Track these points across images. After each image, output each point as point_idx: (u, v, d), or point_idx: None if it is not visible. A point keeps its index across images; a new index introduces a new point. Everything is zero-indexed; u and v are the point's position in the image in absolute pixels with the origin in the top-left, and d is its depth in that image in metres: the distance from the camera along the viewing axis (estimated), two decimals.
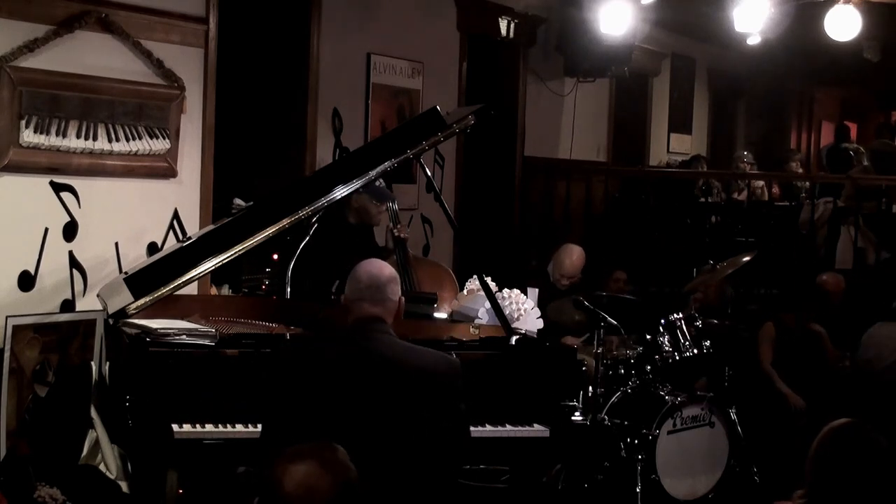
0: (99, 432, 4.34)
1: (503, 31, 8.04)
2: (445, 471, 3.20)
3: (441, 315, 4.69)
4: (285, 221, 4.11)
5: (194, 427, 3.69)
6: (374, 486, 2.95)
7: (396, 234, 5.13)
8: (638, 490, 5.00)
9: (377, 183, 4.96)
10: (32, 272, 4.69)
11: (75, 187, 4.82)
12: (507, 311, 4.37)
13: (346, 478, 2.44)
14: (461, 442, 3.23)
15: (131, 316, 3.94)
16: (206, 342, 3.83)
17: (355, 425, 3.04)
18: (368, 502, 2.84)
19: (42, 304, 4.73)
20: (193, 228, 5.31)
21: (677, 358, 5.46)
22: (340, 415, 3.05)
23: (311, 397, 3.07)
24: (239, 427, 3.71)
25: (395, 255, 5.06)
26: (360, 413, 3.06)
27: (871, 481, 2.77)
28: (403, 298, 3.33)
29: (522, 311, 4.52)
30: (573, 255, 6.23)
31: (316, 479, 2.39)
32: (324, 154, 6.47)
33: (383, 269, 3.29)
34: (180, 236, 5.25)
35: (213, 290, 5.52)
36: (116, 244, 5.04)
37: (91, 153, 4.82)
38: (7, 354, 4.53)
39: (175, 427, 3.65)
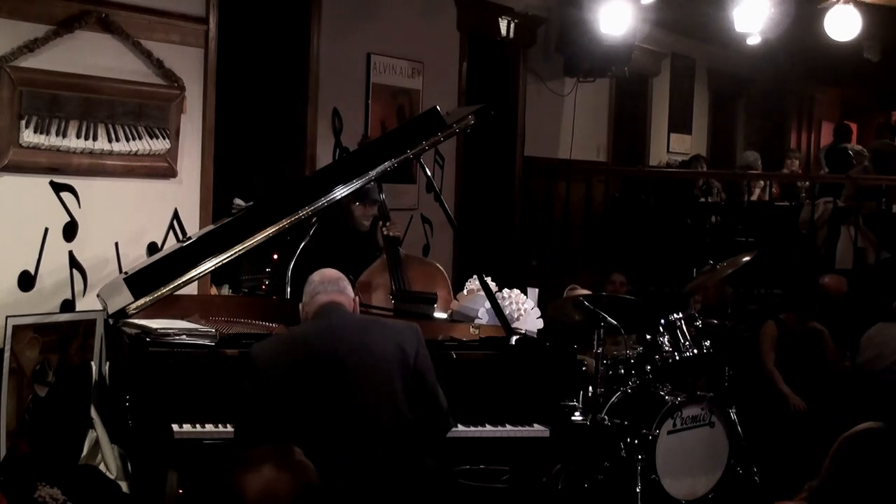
0: (99, 432, 4.33)
1: (503, 31, 8.03)
2: (431, 425, 3.43)
3: (441, 315, 4.69)
4: (285, 221, 4.12)
5: (194, 427, 3.70)
6: (368, 444, 3.20)
7: (386, 232, 5.09)
8: (638, 490, 4.99)
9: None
10: (32, 272, 4.70)
11: (75, 187, 4.82)
12: (507, 311, 4.37)
13: (306, 478, 2.44)
14: (438, 399, 3.46)
15: (131, 316, 3.95)
16: (206, 342, 3.83)
17: (347, 392, 3.22)
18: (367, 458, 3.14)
19: (42, 304, 4.73)
20: (193, 228, 5.31)
21: (677, 358, 5.46)
22: (332, 387, 3.22)
23: (302, 380, 3.22)
24: None
25: (386, 254, 5.02)
26: (349, 379, 3.24)
27: (886, 488, 2.72)
28: (358, 299, 3.58)
29: (522, 311, 4.52)
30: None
31: (276, 483, 2.38)
32: (324, 154, 6.47)
33: (333, 271, 3.56)
34: (180, 236, 5.25)
35: (213, 290, 5.52)
36: (116, 244, 5.04)
37: (91, 153, 4.82)
38: (7, 354, 4.53)
39: (175, 427, 3.66)
